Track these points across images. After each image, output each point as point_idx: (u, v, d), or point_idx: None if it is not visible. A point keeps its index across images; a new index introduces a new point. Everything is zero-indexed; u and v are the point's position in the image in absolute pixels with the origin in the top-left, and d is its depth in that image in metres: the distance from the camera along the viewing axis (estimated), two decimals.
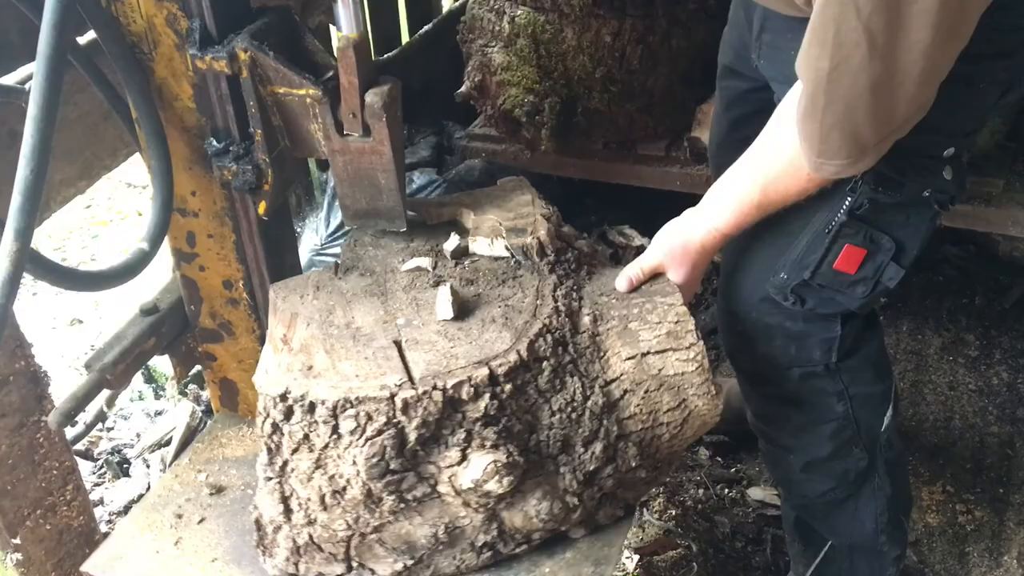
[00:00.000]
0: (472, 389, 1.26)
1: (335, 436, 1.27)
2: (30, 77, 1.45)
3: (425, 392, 1.25)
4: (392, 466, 1.25)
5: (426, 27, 3.56)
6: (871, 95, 1.21)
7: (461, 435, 1.27)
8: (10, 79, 1.54)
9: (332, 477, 1.29)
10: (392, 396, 1.25)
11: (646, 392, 1.39)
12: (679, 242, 1.51)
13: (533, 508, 1.34)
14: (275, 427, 1.30)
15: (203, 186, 1.60)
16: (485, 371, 1.28)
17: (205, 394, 2.71)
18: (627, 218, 1.65)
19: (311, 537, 1.35)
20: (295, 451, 1.30)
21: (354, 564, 1.37)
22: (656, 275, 1.51)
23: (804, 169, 1.34)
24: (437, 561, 1.37)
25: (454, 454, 1.27)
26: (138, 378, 2.78)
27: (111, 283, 1.48)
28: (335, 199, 2.92)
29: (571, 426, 1.34)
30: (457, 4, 3.65)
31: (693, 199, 1.56)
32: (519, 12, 2.57)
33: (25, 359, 1.60)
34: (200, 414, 2.64)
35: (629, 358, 1.39)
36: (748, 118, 1.72)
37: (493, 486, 1.26)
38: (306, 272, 1.59)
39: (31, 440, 1.65)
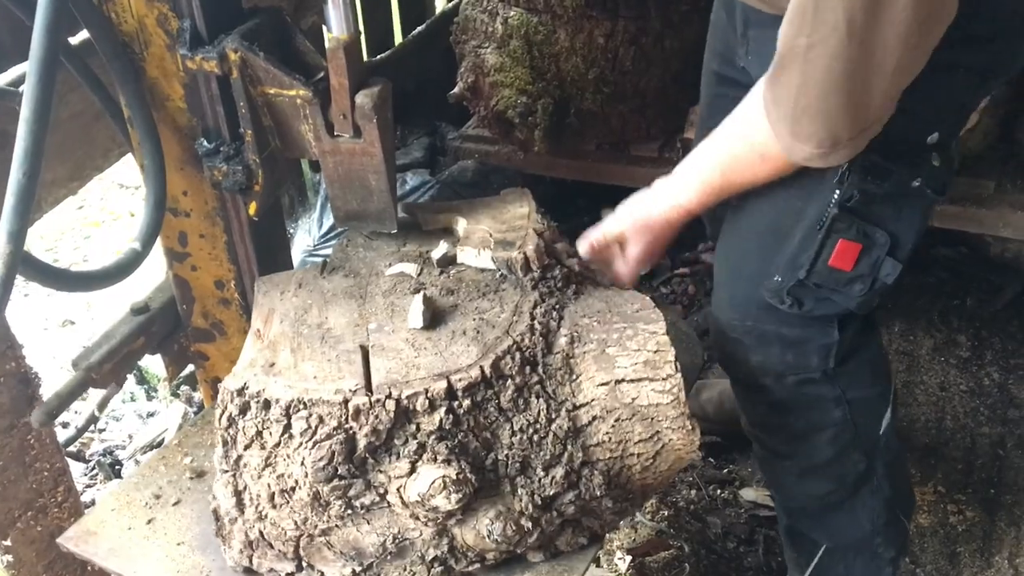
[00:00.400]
0: (427, 401, 1.25)
1: (287, 436, 1.26)
2: (21, 77, 1.45)
3: (378, 400, 1.24)
4: (340, 471, 1.24)
5: (419, 28, 3.56)
6: (846, 81, 1.20)
7: (413, 446, 1.25)
8: (1, 80, 1.54)
9: (281, 476, 1.28)
10: (345, 401, 1.24)
11: (617, 420, 1.36)
12: (643, 214, 1.52)
13: (485, 527, 1.31)
14: (231, 420, 1.30)
15: (195, 186, 1.60)
16: (444, 384, 1.26)
17: (197, 395, 2.71)
18: None
19: (262, 533, 1.34)
20: (248, 447, 1.30)
21: (304, 564, 1.36)
22: (619, 243, 1.53)
23: (772, 155, 1.34)
24: (387, 571, 1.35)
25: (404, 465, 1.25)
26: (130, 380, 2.77)
27: (104, 283, 1.48)
28: (327, 200, 2.92)
29: (532, 448, 1.32)
30: (450, 5, 3.66)
31: None
32: (512, 13, 2.57)
33: (16, 360, 1.60)
34: (192, 415, 2.63)
35: (603, 384, 1.36)
36: None
37: (441, 501, 1.24)
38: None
39: (22, 441, 1.64)
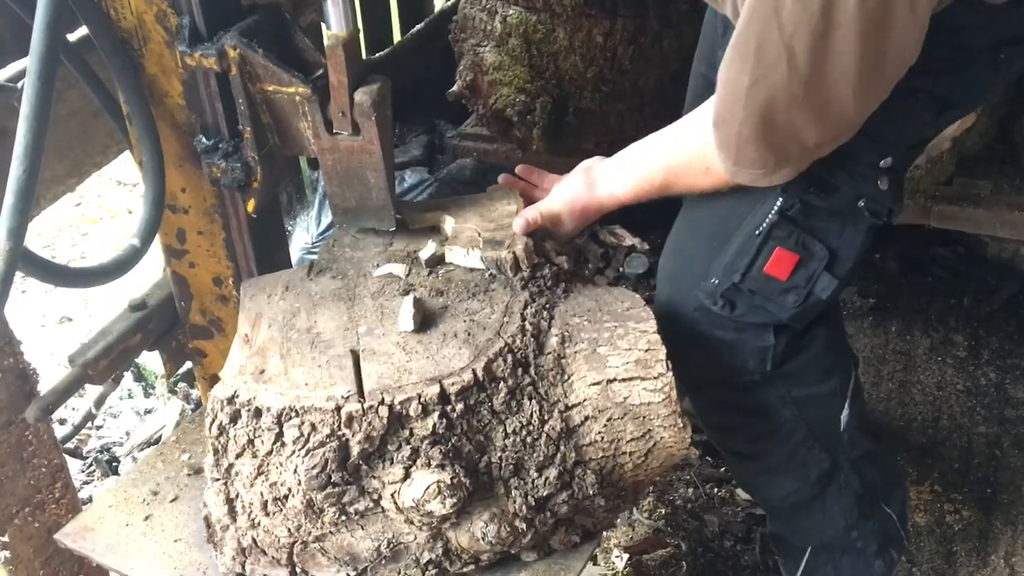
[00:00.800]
0: (421, 407, 1.24)
1: (279, 444, 1.25)
2: (20, 74, 1.45)
3: (371, 407, 1.22)
4: (333, 478, 1.23)
5: (418, 26, 3.56)
6: (791, 112, 1.21)
7: (407, 452, 1.24)
8: (1, 76, 1.54)
9: (274, 484, 1.27)
10: (338, 408, 1.22)
11: (609, 420, 1.35)
12: (583, 199, 1.55)
13: (480, 530, 1.30)
14: (221, 429, 1.28)
15: (193, 183, 1.60)
16: (436, 389, 1.25)
17: (195, 392, 2.71)
18: (617, 218, 1.65)
19: (255, 540, 1.33)
20: (239, 455, 1.28)
21: (298, 570, 1.35)
22: (552, 222, 1.55)
23: (715, 171, 1.36)
24: (381, 575, 1.35)
25: (398, 471, 1.24)
26: (128, 376, 2.77)
27: (102, 279, 1.48)
28: (326, 197, 2.92)
29: (525, 450, 1.31)
30: (449, 3, 3.65)
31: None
32: (511, 12, 2.57)
33: (14, 356, 1.60)
34: (189, 412, 2.63)
35: (594, 383, 1.35)
36: None
37: (435, 506, 1.23)
38: (279, 270, 1.57)
39: (19, 438, 1.64)
